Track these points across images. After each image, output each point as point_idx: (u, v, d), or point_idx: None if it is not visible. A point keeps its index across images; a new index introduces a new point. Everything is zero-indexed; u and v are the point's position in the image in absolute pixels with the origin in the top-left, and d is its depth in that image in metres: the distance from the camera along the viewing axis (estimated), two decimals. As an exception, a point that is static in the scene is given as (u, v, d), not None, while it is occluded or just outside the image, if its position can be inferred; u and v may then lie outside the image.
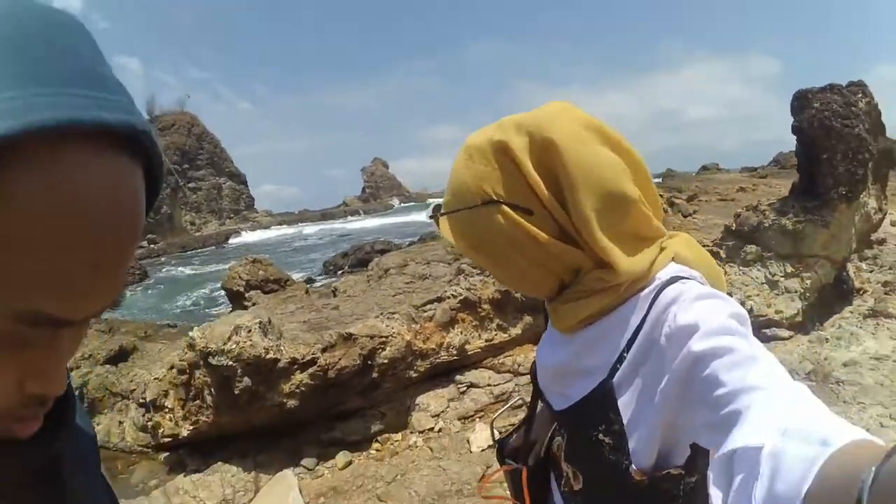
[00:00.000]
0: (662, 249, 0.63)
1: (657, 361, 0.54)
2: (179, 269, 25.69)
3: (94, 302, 0.28)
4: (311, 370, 3.03)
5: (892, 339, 4.37)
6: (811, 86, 4.57)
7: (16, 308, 0.24)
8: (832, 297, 4.89)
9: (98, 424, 4.28)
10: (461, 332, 2.97)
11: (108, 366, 4.85)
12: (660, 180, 19.59)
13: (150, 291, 19.40)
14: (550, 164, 0.58)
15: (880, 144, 4.88)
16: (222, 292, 8.21)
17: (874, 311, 4.82)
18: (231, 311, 6.59)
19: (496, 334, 3.04)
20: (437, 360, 2.93)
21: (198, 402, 3.61)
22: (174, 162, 54.74)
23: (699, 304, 0.53)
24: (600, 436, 0.58)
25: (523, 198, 0.59)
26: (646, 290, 0.59)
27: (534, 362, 0.81)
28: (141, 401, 3.95)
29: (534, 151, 0.59)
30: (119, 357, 4.77)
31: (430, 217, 0.69)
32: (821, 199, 4.19)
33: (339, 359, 2.97)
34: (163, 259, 35.67)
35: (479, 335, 3.01)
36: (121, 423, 4.45)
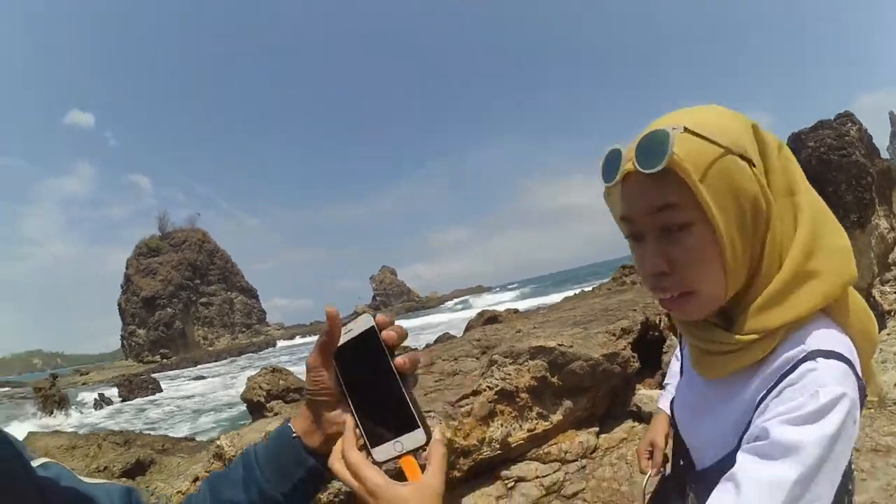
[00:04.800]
0: (817, 282, 0.60)
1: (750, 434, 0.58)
2: (191, 383, 26.22)
3: None
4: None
5: (934, 354, 4.25)
6: (803, 127, 4.67)
7: None
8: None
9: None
10: (502, 425, 2.85)
11: (124, 479, 4.64)
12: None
13: (165, 407, 19.36)
14: (789, 168, 0.62)
15: (877, 166, 4.95)
16: (242, 407, 8.01)
17: (910, 331, 4.72)
18: (253, 422, 6.37)
19: (538, 423, 2.92)
20: (480, 457, 2.79)
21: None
22: (186, 277, 53.73)
23: (811, 421, 0.52)
24: None
25: (758, 165, 0.60)
26: (786, 354, 0.58)
27: (671, 405, 0.84)
28: (162, 519, 3.77)
29: (778, 152, 0.62)
30: (136, 470, 4.55)
31: (672, 129, 0.57)
32: (834, 231, 4.19)
33: (378, 465, 2.81)
34: (173, 374, 35.85)
35: (521, 426, 2.89)
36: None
